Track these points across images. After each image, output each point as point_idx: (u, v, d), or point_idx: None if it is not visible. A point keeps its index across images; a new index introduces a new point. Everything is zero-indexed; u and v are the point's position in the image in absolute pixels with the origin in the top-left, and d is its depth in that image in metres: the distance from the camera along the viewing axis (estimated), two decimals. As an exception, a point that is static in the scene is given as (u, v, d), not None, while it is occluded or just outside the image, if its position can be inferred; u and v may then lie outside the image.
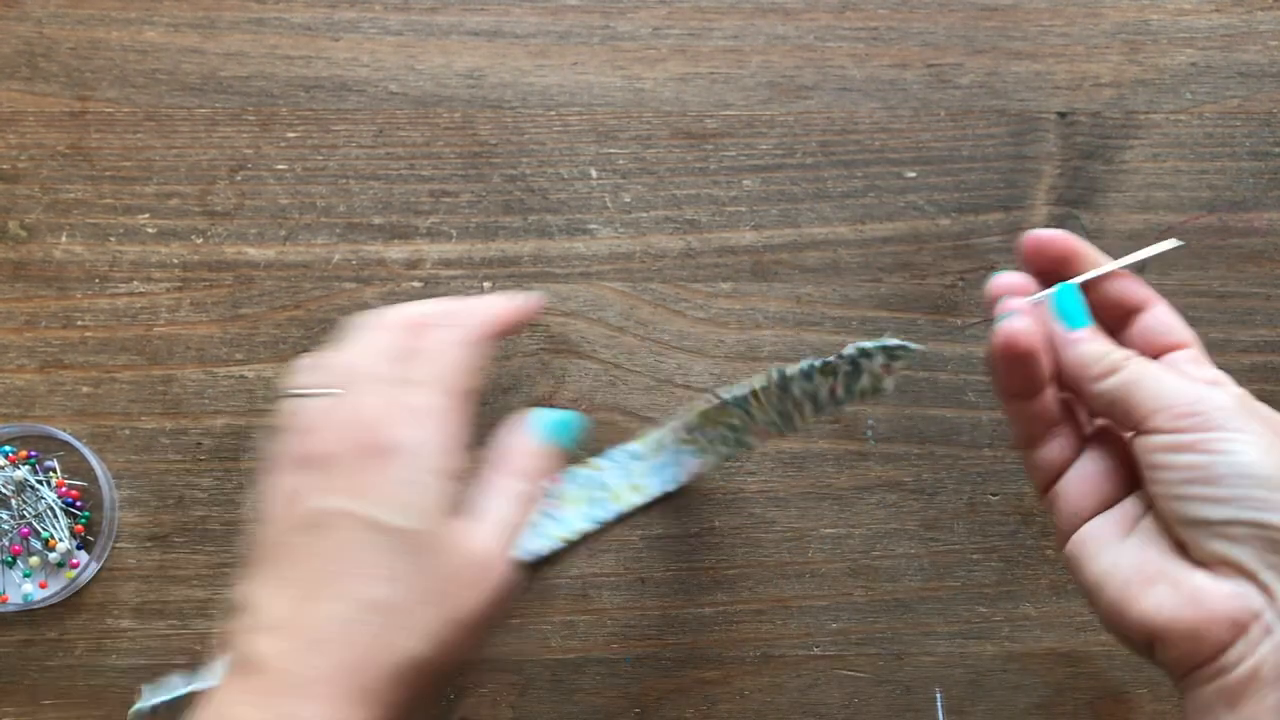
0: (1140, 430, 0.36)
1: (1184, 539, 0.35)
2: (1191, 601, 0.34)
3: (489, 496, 0.42)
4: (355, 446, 0.38)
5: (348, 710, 0.35)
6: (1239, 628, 0.33)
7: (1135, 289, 0.40)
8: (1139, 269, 0.40)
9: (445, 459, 0.39)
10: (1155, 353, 0.39)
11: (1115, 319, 0.40)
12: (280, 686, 0.35)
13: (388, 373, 0.40)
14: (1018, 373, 0.38)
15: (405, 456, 0.38)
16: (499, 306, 0.44)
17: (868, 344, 0.41)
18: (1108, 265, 0.39)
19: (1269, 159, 0.58)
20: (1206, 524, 0.34)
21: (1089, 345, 0.38)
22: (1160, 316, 0.40)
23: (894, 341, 0.41)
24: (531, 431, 0.44)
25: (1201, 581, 0.34)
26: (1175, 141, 0.58)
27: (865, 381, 0.42)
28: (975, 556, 0.55)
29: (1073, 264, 0.39)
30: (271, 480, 0.39)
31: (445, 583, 0.38)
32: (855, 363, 0.41)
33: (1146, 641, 0.35)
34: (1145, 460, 0.36)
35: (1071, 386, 0.39)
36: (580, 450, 0.47)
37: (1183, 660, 0.34)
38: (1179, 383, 0.36)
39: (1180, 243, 0.41)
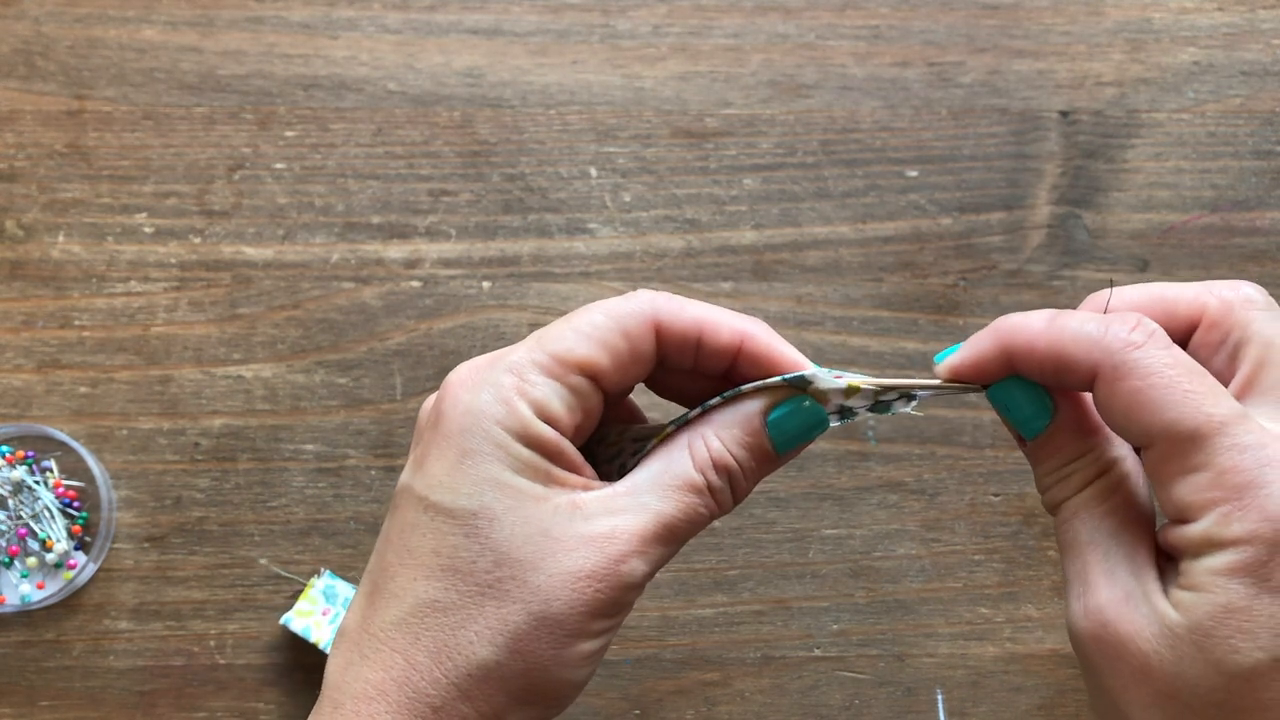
0: None
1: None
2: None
3: (651, 471, 0.33)
4: (431, 410, 0.32)
5: None
6: None
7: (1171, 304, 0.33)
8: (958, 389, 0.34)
9: (519, 424, 0.31)
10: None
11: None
12: (337, 707, 0.31)
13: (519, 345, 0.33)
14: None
15: (467, 421, 0.31)
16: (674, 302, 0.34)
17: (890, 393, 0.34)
18: (899, 382, 0.33)
19: (1272, 157, 0.57)
20: None
21: (1034, 470, 0.33)
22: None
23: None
24: (756, 412, 0.33)
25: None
26: (1177, 140, 0.57)
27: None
28: (977, 557, 0.55)
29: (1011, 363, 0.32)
30: None
31: (523, 572, 0.30)
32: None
33: None
34: None
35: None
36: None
37: None
38: (1111, 574, 0.30)
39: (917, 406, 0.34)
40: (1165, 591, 0.30)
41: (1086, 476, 0.32)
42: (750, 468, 0.33)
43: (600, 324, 0.32)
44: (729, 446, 0.33)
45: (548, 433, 0.31)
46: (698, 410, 0.33)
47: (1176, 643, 0.29)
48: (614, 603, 0.31)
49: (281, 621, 0.53)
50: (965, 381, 0.33)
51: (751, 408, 0.33)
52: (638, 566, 0.31)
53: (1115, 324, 0.30)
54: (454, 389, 0.32)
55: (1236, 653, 0.28)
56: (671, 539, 0.32)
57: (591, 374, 0.32)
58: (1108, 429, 0.32)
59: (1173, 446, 0.29)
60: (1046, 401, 0.32)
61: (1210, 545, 0.28)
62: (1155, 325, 0.30)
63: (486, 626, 0.30)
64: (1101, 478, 0.32)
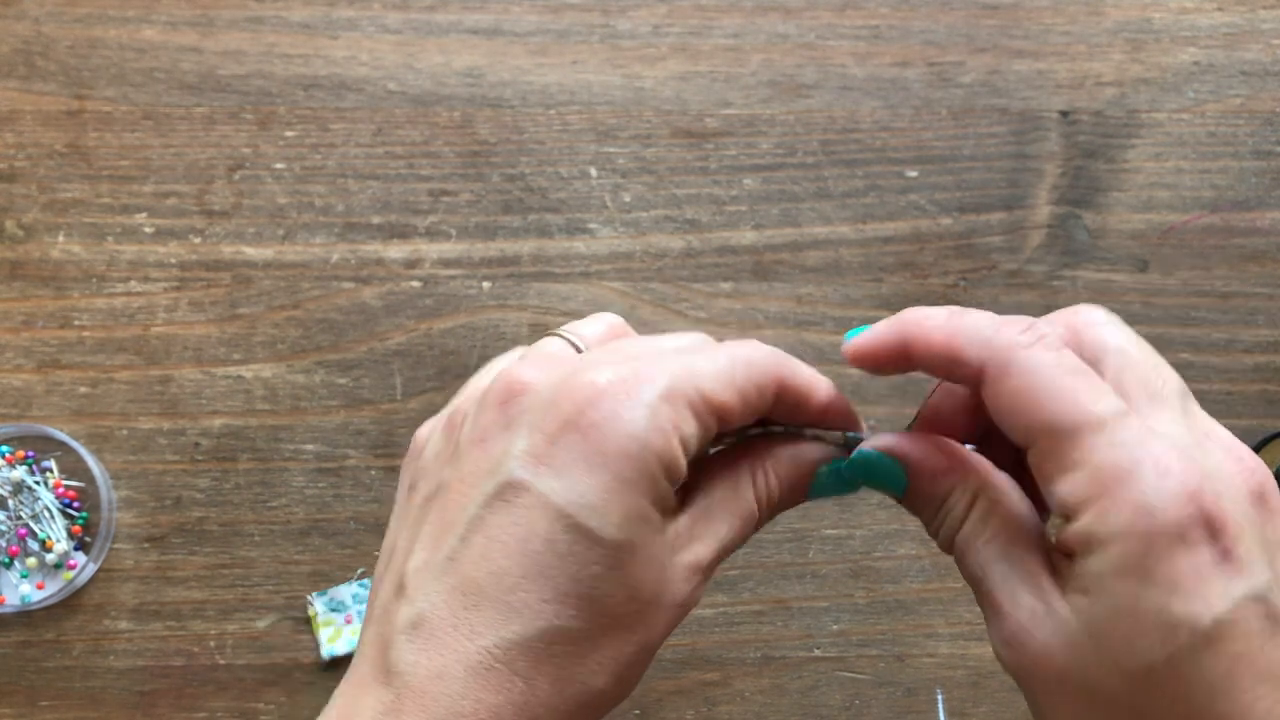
0: None
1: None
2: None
3: (720, 497, 0.33)
4: (563, 402, 0.30)
5: None
6: None
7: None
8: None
9: (672, 460, 0.30)
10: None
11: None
12: (419, 713, 0.29)
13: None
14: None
15: (630, 447, 0.30)
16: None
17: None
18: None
19: (1272, 158, 0.57)
20: None
21: (924, 517, 0.33)
22: (991, 410, 0.33)
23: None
24: (813, 461, 0.34)
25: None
26: (1177, 140, 0.57)
27: None
28: (977, 557, 0.55)
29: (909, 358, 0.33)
30: None
31: (648, 609, 0.30)
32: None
33: None
34: None
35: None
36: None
37: None
38: (1013, 596, 0.30)
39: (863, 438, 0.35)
40: (1065, 596, 0.30)
41: (962, 509, 0.32)
42: (781, 506, 0.34)
43: (742, 374, 0.32)
44: (783, 484, 0.33)
45: (684, 470, 0.31)
46: (759, 431, 0.34)
47: (1081, 649, 0.29)
48: (671, 624, 0.32)
49: (325, 656, 0.53)
50: (866, 366, 0.34)
51: (811, 455, 0.34)
52: (702, 591, 0.32)
53: (1007, 325, 0.30)
54: (607, 400, 0.30)
55: (1133, 654, 0.28)
56: (723, 556, 0.33)
57: (724, 419, 0.31)
58: (966, 459, 0.33)
59: (1053, 443, 0.29)
60: (893, 462, 0.34)
61: (1091, 543, 0.28)
62: (1048, 329, 0.30)
63: (608, 657, 0.30)
64: (975, 506, 0.32)
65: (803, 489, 0.34)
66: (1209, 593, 0.27)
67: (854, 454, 0.34)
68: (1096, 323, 0.32)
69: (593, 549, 0.29)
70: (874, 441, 0.34)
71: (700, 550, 0.32)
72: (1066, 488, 0.29)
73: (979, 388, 0.31)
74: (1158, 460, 0.28)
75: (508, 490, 0.30)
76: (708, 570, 0.32)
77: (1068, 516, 0.29)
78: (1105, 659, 0.28)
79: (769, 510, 0.33)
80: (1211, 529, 0.28)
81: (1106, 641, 0.28)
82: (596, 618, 0.30)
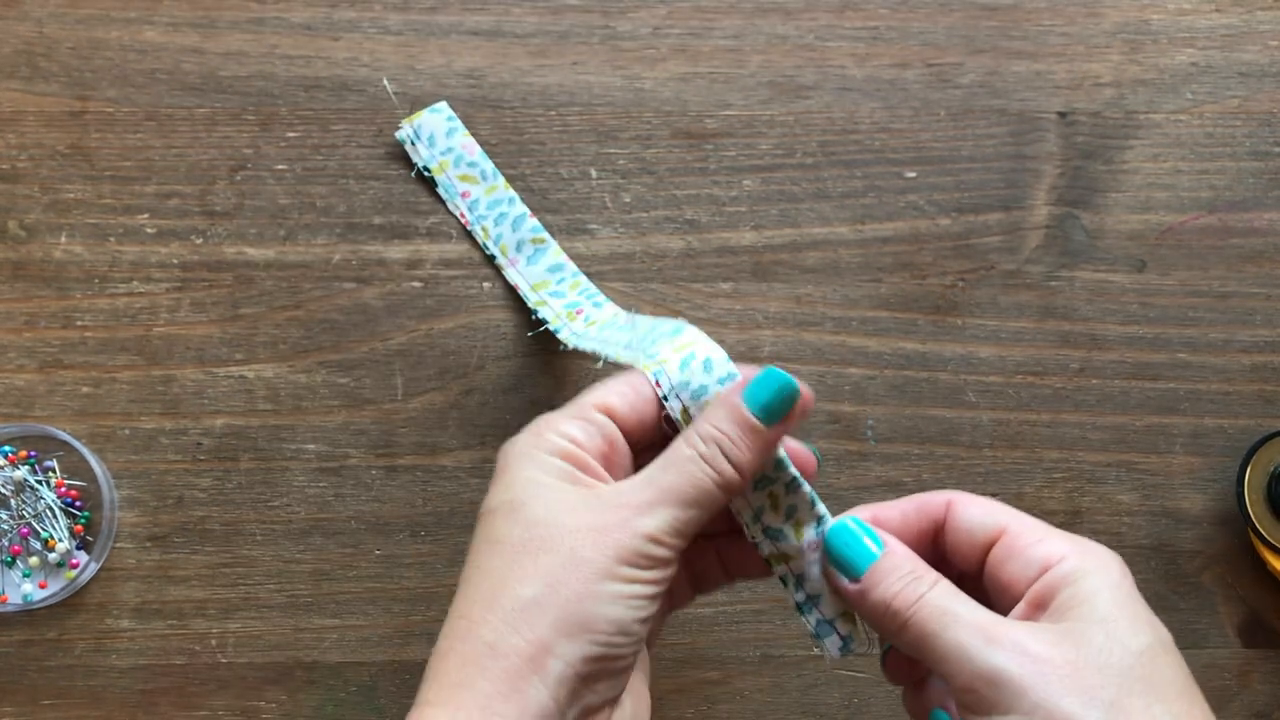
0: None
1: None
2: None
3: (658, 460, 0.38)
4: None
5: None
6: None
7: (923, 504, 0.40)
8: None
9: (546, 443, 0.38)
10: (978, 553, 0.39)
11: (920, 542, 0.40)
12: (424, 685, 0.36)
13: None
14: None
15: (508, 451, 0.39)
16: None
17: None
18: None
19: (1269, 159, 0.58)
20: None
21: (871, 597, 0.38)
22: (962, 516, 0.39)
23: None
24: (733, 389, 0.39)
25: None
26: (1175, 141, 0.58)
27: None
28: (975, 557, 0.55)
29: None
30: None
31: (552, 531, 0.36)
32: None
33: None
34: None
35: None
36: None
37: None
38: (964, 644, 0.35)
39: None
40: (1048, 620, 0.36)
41: (932, 574, 0.38)
42: (737, 435, 0.38)
43: (617, 379, 0.40)
44: (715, 424, 0.38)
45: (569, 447, 0.38)
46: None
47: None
48: (635, 552, 0.36)
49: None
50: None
51: (729, 388, 0.39)
52: (648, 522, 0.36)
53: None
54: (502, 447, 0.39)
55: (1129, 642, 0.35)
56: (678, 501, 0.37)
57: (606, 411, 0.39)
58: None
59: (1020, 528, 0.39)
60: (871, 534, 0.39)
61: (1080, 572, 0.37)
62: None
63: (525, 573, 0.36)
64: (940, 581, 0.38)
65: (745, 417, 0.38)
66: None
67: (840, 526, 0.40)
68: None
69: (491, 515, 0.38)
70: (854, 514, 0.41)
71: (635, 491, 0.37)
72: (1047, 549, 0.37)
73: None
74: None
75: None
76: (653, 505, 0.37)
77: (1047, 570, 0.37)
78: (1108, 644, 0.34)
79: (715, 443, 0.38)
80: None
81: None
82: (505, 551, 0.37)
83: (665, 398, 0.39)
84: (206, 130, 0.56)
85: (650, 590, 0.36)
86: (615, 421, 0.39)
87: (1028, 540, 0.37)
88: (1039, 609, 0.36)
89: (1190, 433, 0.56)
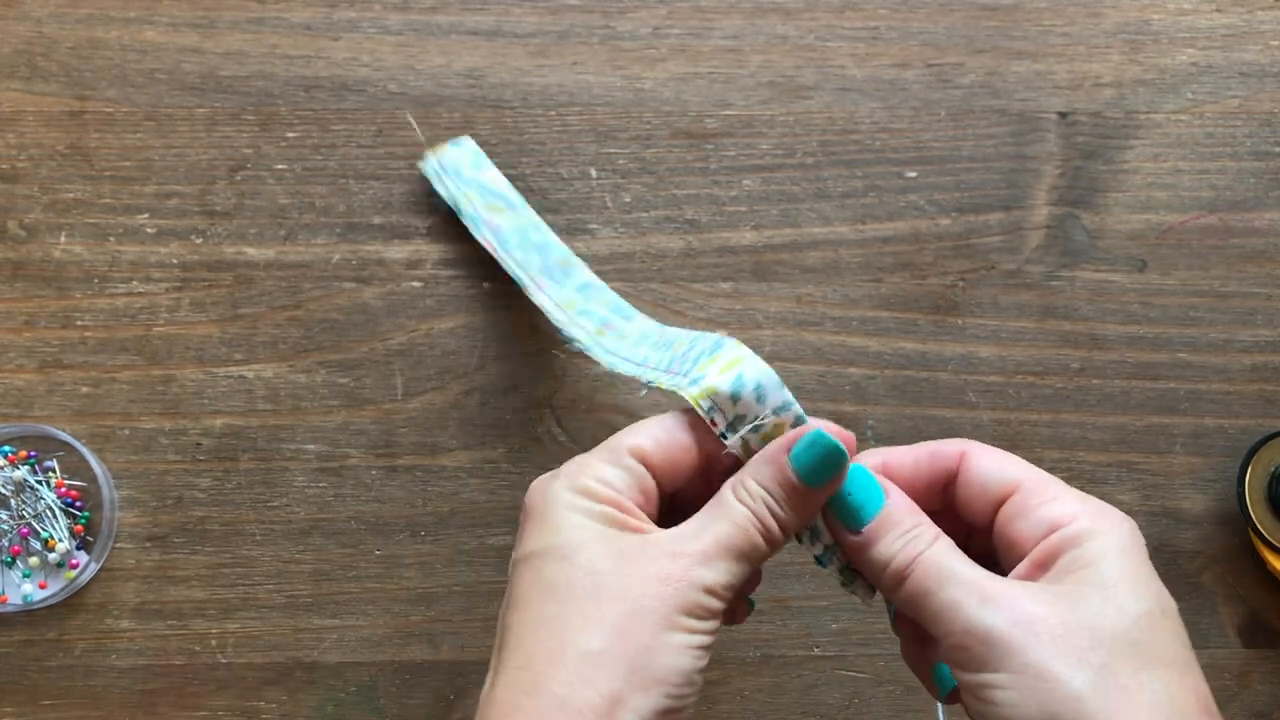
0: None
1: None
2: None
3: (707, 509, 0.38)
4: (522, 513, 0.40)
5: None
6: None
7: (937, 452, 0.39)
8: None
9: (584, 488, 0.37)
10: (989, 508, 0.38)
11: (930, 492, 0.39)
12: None
13: None
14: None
15: (545, 497, 0.38)
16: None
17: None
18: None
19: (1270, 159, 0.58)
20: None
21: (875, 550, 0.37)
22: (975, 469, 0.38)
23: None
24: (780, 449, 0.38)
25: None
26: (1176, 141, 0.58)
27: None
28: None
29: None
30: None
31: (613, 579, 0.35)
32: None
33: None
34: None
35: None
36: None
37: None
38: (959, 602, 0.34)
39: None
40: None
41: (932, 530, 0.37)
42: (782, 497, 0.37)
43: (649, 422, 0.39)
44: (762, 482, 0.37)
45: (609, 492, 0.37)
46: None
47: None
48: (694, 604, 0.35)
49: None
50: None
51: (777, 448, 0.38)
52: (706, 574, 0.35)
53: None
54: (532, 489, 0.38)
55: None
56: (732, 555, 0.36)
57: (640, 457, 0.38)
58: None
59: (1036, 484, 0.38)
60: (875, 485, 0.38)
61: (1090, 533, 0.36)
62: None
63: (589, 622, 0.34)
64: (940, 538, 0.37)
65: (789, 479, 0.37)
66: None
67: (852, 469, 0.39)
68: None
69: (540, 559, 0.36)
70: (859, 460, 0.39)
71: (689, 541, 0.36)
72: (1058, 509, 0.36)
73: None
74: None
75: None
76: (708, 556, 0.36)
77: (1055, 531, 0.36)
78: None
79: (764, 504, 0.37)
80: None
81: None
82: (566, 598, 0.36)
83: (724, 435, 0.39)
84: (206, 130, 0.56)
85: (708, 641, 0.35)
86: (647, 466, 0.38)
87: (1040, 499, 0.36)
88: (1041, 569, 0.35)
89: (1191, 433, 0.56)
